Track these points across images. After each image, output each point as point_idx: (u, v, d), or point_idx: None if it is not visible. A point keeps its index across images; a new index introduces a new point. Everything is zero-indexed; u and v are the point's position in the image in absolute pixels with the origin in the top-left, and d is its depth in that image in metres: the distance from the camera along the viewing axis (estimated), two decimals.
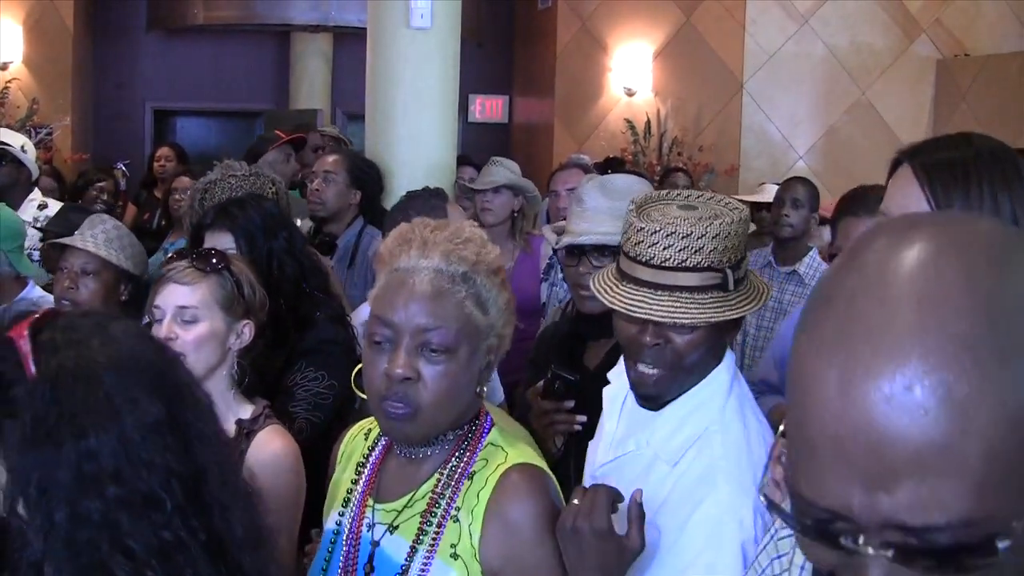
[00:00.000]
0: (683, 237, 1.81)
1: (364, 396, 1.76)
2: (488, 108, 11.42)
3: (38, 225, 4.83)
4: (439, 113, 5.03)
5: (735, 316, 1.83)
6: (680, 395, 1.89)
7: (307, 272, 2.96)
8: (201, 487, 1.40)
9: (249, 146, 5.60)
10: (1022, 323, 0.73)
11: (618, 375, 2.04)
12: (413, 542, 1.70)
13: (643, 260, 1.84)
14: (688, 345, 1.84)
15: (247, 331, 2.41)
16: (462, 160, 5.93)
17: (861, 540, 0.74)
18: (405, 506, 1.74)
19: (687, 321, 1.80)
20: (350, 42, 10.00)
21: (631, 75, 9.67)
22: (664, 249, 1.82)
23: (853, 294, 0.77)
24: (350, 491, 1.84)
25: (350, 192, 4.52)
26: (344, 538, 1.80)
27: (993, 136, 1.78)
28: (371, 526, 1.77)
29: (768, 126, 9.41)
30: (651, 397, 1.90)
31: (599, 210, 2.61)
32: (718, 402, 1.87)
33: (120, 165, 7.57)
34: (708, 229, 1.82)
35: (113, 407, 1.33)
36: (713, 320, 1.81)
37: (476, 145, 10.28)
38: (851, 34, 9.34)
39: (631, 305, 1.83)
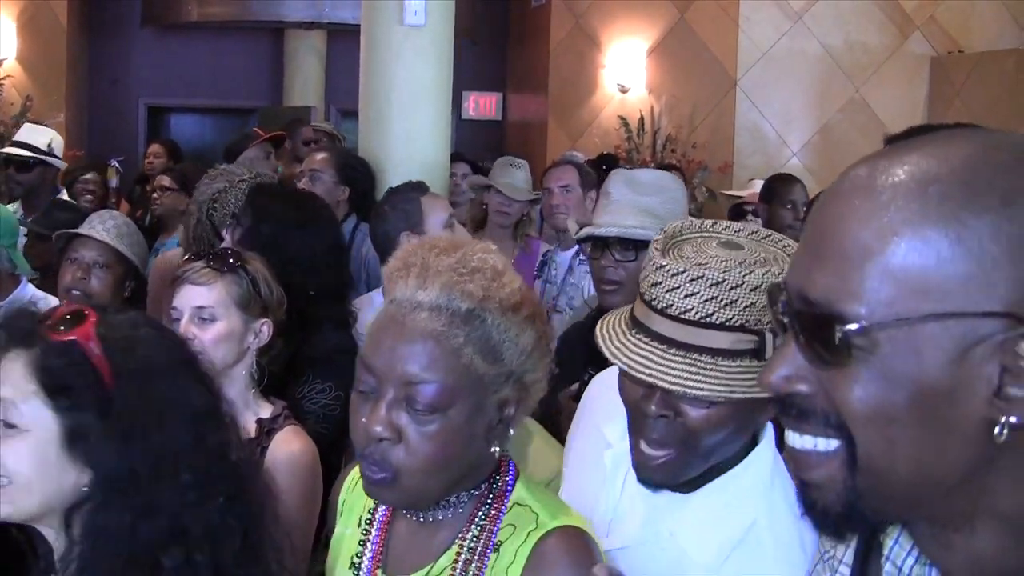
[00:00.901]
0: (712, 284, 1.43)
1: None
2: (482, 105, 11.42)
3: None
4: (433, 110, 5.03)
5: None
6: (711, 477, 1.52)
7: (316, 274, 2.93)
8: (236, 471, 1.48)
9: (227, 144, 5.59)
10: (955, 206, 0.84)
11: (620, 436, 1.65)
12: None
13: (659, 307, 1.47)
14: (704, 422, 1.46)
15: (265, 330, 2.42)
16: (455, 157, 5.93)
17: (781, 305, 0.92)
18: None
19: (702, 393, 1.42)
20: (344, 39, 9.98)
21: (625, 72, 9.67)
22: (686, 297, 1.44)
23: None
24: (357, 559, 1.57)
25: (338, 189, 4.52)
26: None
27: None
28: None
29: (762, 123, 9.41)
30: (657, 484, 1.55)
31: (624, 203, 2.59)
32: (762, 490, 1.51)
33: (114, 162, 7.54)
34: (748, 278, 1.43)
35: (180, 398, 1.44)
36: (736, 396, 1.42)
37: (470, 142, 10.28)
38: (845, 31, 9.35)
39: (636, 363, 1.46)
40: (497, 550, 1.44)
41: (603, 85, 9.81)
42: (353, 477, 1.66)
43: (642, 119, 9.53)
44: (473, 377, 1.39)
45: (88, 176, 6.35)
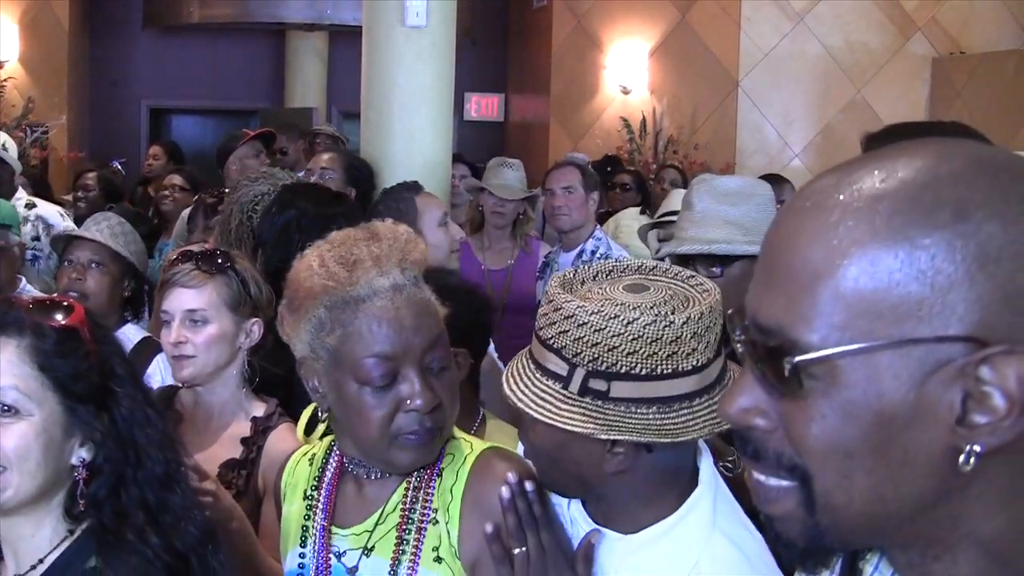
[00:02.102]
0: (555, 310, 1.45)
1: (305, 442, 1.78)
2: (484, 106, 11.42)
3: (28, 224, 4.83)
4: (434, 111, 5.03)
5: (551, 421, 1.41)
6: (651, 520, 1.51)
7: None
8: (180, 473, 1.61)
9: (218, 146, 5.60)
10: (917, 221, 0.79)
11: None
12: (393, 557, 1.59)
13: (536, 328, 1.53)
14: (537, 437, 1.49)
15: (256, 329, 2.41)
16: (454, 159, 5.93)
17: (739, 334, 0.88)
18: (377, 523, 1.63)
19: (515, 401, 1.46)
20: (345, 40, 10.00)
21: (626, 73, 9.67)
22: (549, 322, 1.47)
23: None
24: (306, 526, 1.70)
25: (346, 189, 4.53)
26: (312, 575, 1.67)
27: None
28: (340, 555, 1.65)
29: (764, 124, 9.41)
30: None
31: (709, 215, 2.48)
32: (703, 532, 1.49)
33: (115, 163, 7.56)
34: (565, 306, 1.43)
35: (138, 383, 1.56)
36: (528, 410, 1.43)
37: (471, 143, 10.28)
38: (846, 32, 9.35)
39: (508, 376, 1.51)
40: (440, 475, 1.62)
41: (605, 86, 9.81)
42: (294, 460, 1.81)
43: (644, 120, 9.53)
44: (444, 324, 1.61)
45: (88, 176, 6.36)
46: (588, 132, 9.77)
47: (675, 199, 4.57)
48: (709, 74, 9.44)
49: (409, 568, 1.59)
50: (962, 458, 0.78)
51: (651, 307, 1.41)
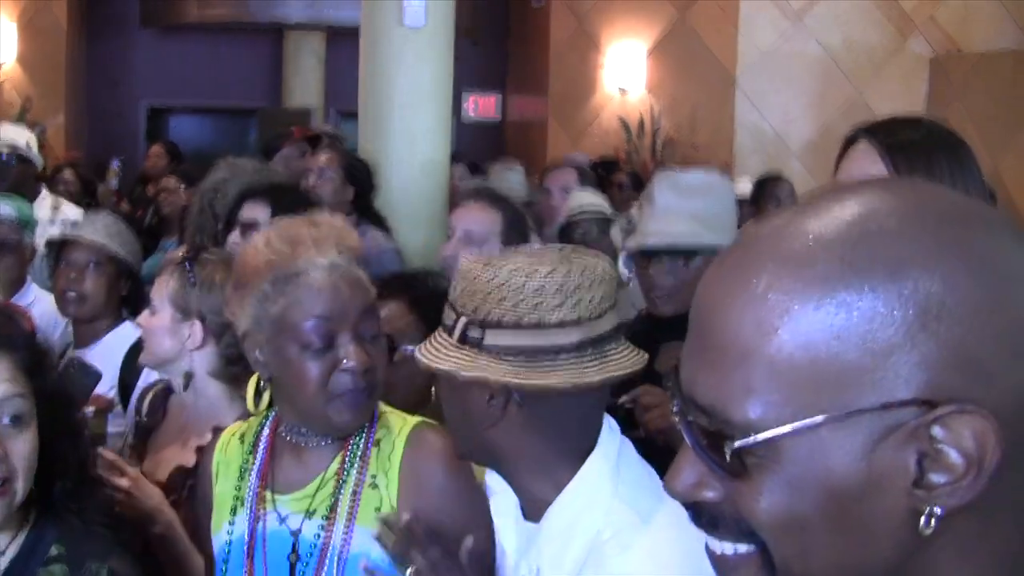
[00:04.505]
0: (461, 274, 1.59)
1: (254, 412, 1.85)
2: (482, 106, 11.42)
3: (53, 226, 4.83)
4: (433, 111, 5.03)
5: (432, 364, 1.53)
6: (551, 500, 1.54)
7: None
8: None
9: (264, 143, 5.61)
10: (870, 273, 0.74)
11: (504, 485, 1.67)
12: (327, 515, 1.73)
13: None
14: (441, 396, 1.63)
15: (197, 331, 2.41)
16: (453, 158, 5.93)
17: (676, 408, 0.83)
18: (318, 488, 1.76)
19: (419, 357, 1.58)
20: (343, 40, 9.98)
21: (625, 73, 9.67)
22: (453, 282, 1.63)
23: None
24: (238, 496, 1.82)
25: (345, 189, 4.53)
26: (246, 542, 1.77)
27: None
28: (283, 518, 1.76)
29: (762, 124, 9.41)
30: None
31: (671, 209, 2.52)
32: (602, 499, 1.52)
33: (114, 163, 7.55)
34: (469, 268, 1.57)
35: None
36: (419, 355, 1.57)
37: (470, 143, 10.28)
38: (845, 32, 9.35)
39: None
40: (377, 445, 1.77)
41: (603, 86, 9.81)
42: (224, 440, 1.90)
43: (642, 120, 9.53)
44: (375, 302, 1.78)
45: (67, 172, 6.36)
46: (586, 132, 9.78)
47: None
48: (707, 74, 9.44)
49: (345, 526, 1.72)
50: (923, 521, 0.75)
51: (524, 263, 1.52)
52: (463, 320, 1.53)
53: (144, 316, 2.42)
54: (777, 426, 0.75)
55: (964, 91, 8.92)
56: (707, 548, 0.85)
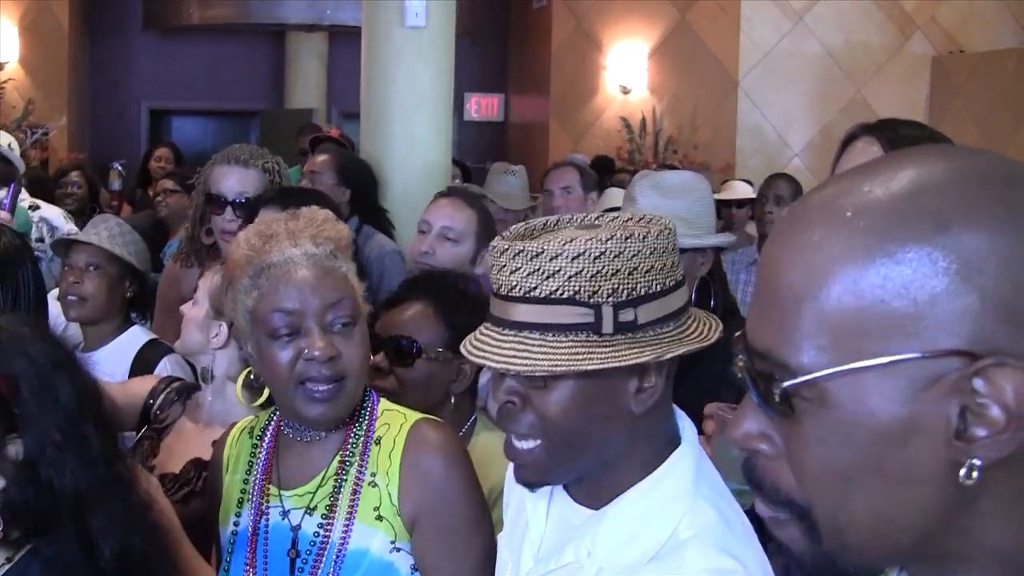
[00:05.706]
0: (532, 257, 1.34)
1: (245, 406, 1.88)
2: (484, 107, 11.42)
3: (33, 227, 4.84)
4: (434, 112, 5.03)
5: (602, 367, 1.30)
6: (623, 488, 1.42)
7: None
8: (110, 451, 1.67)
9: (304, 143, 5.58)
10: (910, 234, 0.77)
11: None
12: (327, 513, 1.75)
13: (494, 290, 1.40)
14: (551, 405, 1.37)
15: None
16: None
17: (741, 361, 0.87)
18: (319, 485, 1.78)
19: (524, 368, 1.32)
20: (345, 41, 10.00)
21: (626, 73, 9.68)
22: (511, 273, 1.35)
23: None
24: (244, 489, 1.85)
25: (339, 190, 4.52)
26: (248, 535, 1.80)
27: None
28: (285, 513, 1.79)
29: (763, 124, 9.42)
30: (529, 481, 1.45)
31: (656, 210, 2.44)
32: (683, 496, 1.40)
33: (116, 165, 7.56)
34: (568, 247, 1.33)
35: (61, 398, 1.59)
36: (559, 370, 1.31)
37: (472, 144, 10.30)
38: (846, 32, 9.35)
39: (472, 347, 1.39)
40: (377, 443, 1.77)
41: (605, 86, 9.82)
42: (235, 434, 1.93)
43: (644, 120, 9.54)
44: (358, 295, 1.77)
45: (74, 175, 6.36)
46: (588, 132, 9.78)
47: (613, 197, 4.59)
48: (709, 74, 9.45)
49: (345, 523, 1.74)
50: (963, 472, 0.76)
51: (624, 231, 1.36)
52: (608, 309, 1.32)
53: (187, 304, 2.45)
54: (825, 369, 0.78)
55: (965, 90, 8.92)
56: (757, 510, 0.90)
